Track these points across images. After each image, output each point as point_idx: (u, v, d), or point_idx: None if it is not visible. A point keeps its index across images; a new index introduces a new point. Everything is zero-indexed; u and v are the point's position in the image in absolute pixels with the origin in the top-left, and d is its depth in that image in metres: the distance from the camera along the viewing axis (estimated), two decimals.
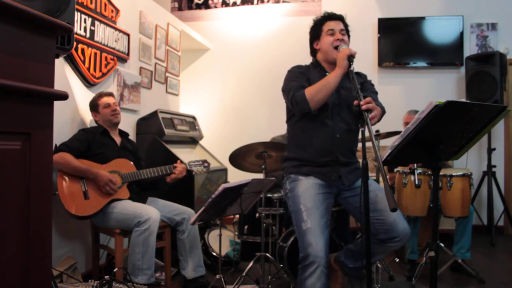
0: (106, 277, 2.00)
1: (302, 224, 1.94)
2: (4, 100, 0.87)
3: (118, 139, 2.83)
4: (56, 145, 2.56)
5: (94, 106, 2.81)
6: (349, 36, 2.18)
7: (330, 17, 2.15)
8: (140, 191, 2.80)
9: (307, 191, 2.02)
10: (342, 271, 2.23)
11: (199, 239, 2.78)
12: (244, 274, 2.65)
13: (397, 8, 4.82)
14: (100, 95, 2.81)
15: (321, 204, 2.00)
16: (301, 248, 1.93)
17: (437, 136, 1.60)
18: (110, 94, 2.84)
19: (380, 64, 4.81)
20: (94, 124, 2.85)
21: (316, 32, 2.18)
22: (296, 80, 2.09)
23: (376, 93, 2.20)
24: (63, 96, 1.03)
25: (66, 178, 2.47)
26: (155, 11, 3.99)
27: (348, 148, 2.13)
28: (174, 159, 3.35)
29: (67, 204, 2.42)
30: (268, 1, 5.19)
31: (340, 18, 2.16)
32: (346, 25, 2.17)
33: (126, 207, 2.51)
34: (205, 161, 2.87)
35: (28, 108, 0.93)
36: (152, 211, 2.47)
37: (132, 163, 2.72)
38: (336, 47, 2.06)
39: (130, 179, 2.64)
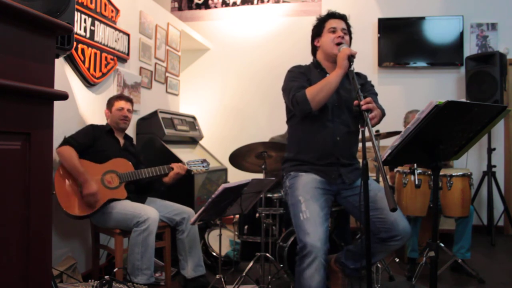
0: (106, 277, 2.01)
1: (301, 214, 1.92)
2: (4, 100, 0.87)
3: (122, 141, 2.84)
4: (65, 136, 2.57)
5: (110, 104, 2.84)
6: (350, 37, 2.19)
7: (333, 15, 2.17)
8: (137, 193, 2.79)
9: (306, 185, 2.02)
10: (343, 272, 2.22)
11: (198, 239, 2.78)
12: (244, 274, 2.65)
13: (397, 8, 4.82)
14: (119, 97, 2.85)
15: (320, 197, 1.99)
16: (298, 238, 1.91)
17: (437, 136, 1.60)
18: (129, 100, 2.88)
19: (380, 64, 4.81)
20: (95, 123, 2.85)
21: (318, 29, 2.19)
22: (297, 80, 2.09)
23: (376, 94, 2.20)
24: (63, 96, 1.03)
25: (64, 177, 2.48)
26: (155, 11, 3.99)
27: (349, 150, 2.13)
28: (174, 159, 3.35)
29: (64, 203, 2.43)
30: (268, 1, 5.19)
31: (342, 17, 2.17)
32: (348, 25, 2.18)
33: (125, 207, 2.51)
34: (204, 160, 2.87)
35: (28, 108, 0.93)
36: (151, 211, 2.47)
37: (130, 163, 2.72)
38: (337, 44, 2.07)
39: (128, 178, 2.63)
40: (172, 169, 2.72)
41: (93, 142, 2.64)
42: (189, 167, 2.79)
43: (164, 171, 2.70)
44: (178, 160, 3.28)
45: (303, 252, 1.84)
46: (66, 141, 2.54)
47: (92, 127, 2.73)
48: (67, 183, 2.48)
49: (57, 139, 2.54)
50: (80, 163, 2.52)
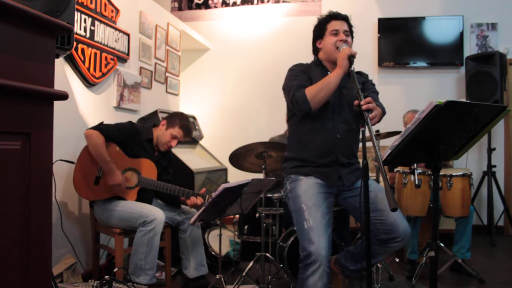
0: (106, 277, 2.01)
1: (304, 222, 1.93)
2: (4, 100, 0.87)
3: (156, 152, 2.78)
4: (103, 122, 2.59)
5: (172, 123, 2.72)
6: (352, 37, 2.17)
7: (336, 16, 2.14)
8: (151, 196, 2.75)
9: (307, 191, 2.01)
10: (343, 274, 2.22)
11: (201, 238, 2.77)
12: (244, 274, 2.65)
13: (397, 8, 4.82)
14: (183, 126, 2.71)
15: (322, 203, 1.99)
16: (302, 246, 1.92)
17: (437, 136, 1.60)
18: (188, 135, 2.77)
19: (380, 64, 4.81)
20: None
21: (320, 30, 2.17)
22: (297, 79, 2.08)
23: (377, 93, 2.19)
24: (63, 96, 1.03)
25: (89, 156, 2.51)
26: (155, 11, 3.99)
27: (349, 148, 2.13)
28: (174, 159, 3.36)
29: (76, 179, 2.49)
30: (268, 1, 5.19)
31: (345, 18, 2.15)
32: (350, 26, 2.16)
33: (132, 206, 2.51)
34: None
35: (28, 108, 0.93)
36: (157, 212, 2.47)
37: (156, 171, 2.65)
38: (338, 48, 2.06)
39: (146, 185, 2.59)
40: (192, 195, 2.61)
41: (125, 139, 2.59)
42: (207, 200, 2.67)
43: (183, 194, 2.61)
44: (180, 162, 3.31)
45: (308, 261, 1.85)
46: (98, 127, 2.50)
47: (132, 125, 2.65)
48: (88, 163, 2.51)
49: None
50: (111, 147, 2.53)
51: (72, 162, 2.54)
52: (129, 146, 2.61)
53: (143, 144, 2.68)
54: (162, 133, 2.73)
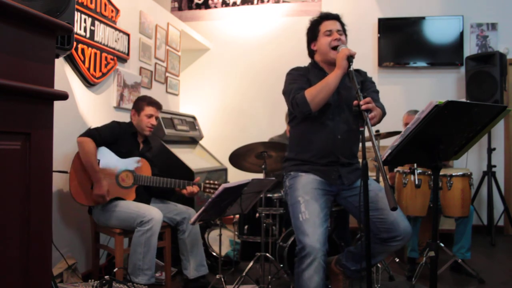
0: (106, 277, 2.01)
1: (300, 215, 1.92)
2: (4, 100, 0.87)
3: (141, 145, 2.83)
4: (90, 127, 2.59)
5: (139, 107, 2.77)
6: (346, 36, 2.17)
7: (327, 17, 2.14)
8: (149, 196, 2.77)
9: (306, 185, 2.02)
10: (344, 274, 2.21)
11: (200, 239, 2.77)
12: (244, 274, 2.65)
13: (397, 8, 4.82)
14: (151, 103, 2.78)
15: (320, 198, 1.99)
16: (297, 239, 1.91)
17: (437, 136, 1.60)
18: (160, 107, 2.84)
19: (380, 64, 4.81)
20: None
21: (313, 33, 2.16)
22: (296, 82, 2.08)
23: (377, 92, 2.18)
24: (63, 96, 1.03)
25: (82, 162, 2.50)
26: (155, 11, 3.99)
27: (349, 148, 2.13)
28: (174, 159, 3.35)
29: (72, 186, 2.47)
30: (268, 1, 5.19)
31: (336, 17, 2.14)
32: (343, 25, 2.16)
33: (130, 206, 2.51)
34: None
35: (28, 108, 0.93)
36: (155, 212, 2.47)
37: (150, 168, 2.70)
38: (334, 48, 2.05)
39: (142, 182, 2.61)
40: (188, 185, 2.67)
41: (115, 140, 2.63)
42: (203, 189, 2.71)
43: (179, 185, 2.66)
44: (180, 162, 3.29)
45: (302, 253, 1.84)
46: (90, 133, 2.52)
47: (119, 126, 2.70)
48: (83, 169, 2.50)
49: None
50: (102, 151, 2.53)
51: (66, 172, 2.52)
52: (119, 145, 2.64)
53: (130, 141, 2.72)
54: (138, 120, 2.77)
